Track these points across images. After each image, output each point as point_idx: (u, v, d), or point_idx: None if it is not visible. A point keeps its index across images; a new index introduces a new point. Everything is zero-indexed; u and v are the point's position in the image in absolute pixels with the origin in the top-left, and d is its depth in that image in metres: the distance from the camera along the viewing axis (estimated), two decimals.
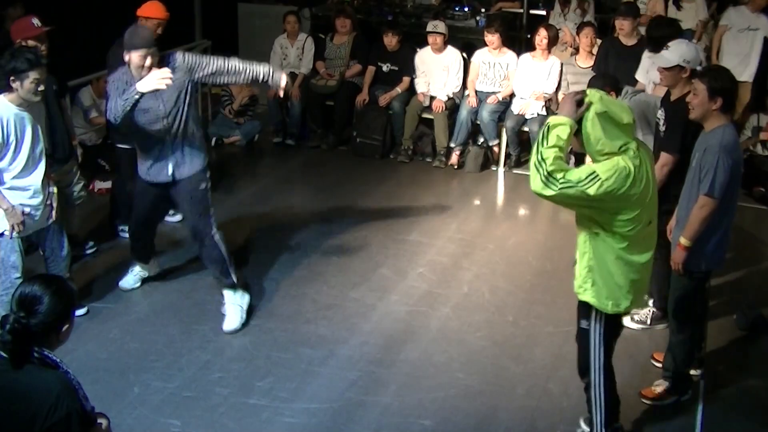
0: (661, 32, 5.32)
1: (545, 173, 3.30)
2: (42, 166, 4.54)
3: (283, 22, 8.44)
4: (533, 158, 3.36)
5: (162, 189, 4.96)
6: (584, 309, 3.77)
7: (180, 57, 4.76)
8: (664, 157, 4.57)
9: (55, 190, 4.74)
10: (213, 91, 8.64)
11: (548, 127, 3.37)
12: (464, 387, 4.50)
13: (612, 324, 3.74)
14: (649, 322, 5.08)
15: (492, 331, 5.07)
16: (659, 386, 4.42)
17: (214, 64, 4.81)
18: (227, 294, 5.06)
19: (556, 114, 3.47)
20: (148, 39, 4.68)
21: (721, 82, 4.02)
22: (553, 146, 3.33)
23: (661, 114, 4.72)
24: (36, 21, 5.09)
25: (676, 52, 4.54)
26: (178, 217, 6.48)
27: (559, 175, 3.29)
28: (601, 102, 3.38)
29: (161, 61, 4.69)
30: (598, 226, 3.52)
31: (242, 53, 8.54)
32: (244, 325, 5.00)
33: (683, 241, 4.12)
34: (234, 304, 5.04)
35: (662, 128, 4.67)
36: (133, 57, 4.63)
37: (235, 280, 5.08)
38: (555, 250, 6.12)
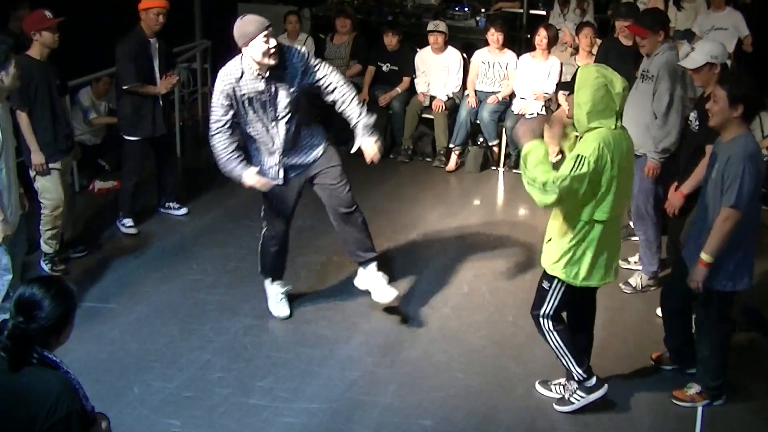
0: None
1: (540, 186, 3.58)
2: (13, 177, 4.31)
3: (284, 22, 8.44)
4: (524, 181, 3.66)
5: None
6: (549, 276, 3.99)
7: (299, 54, 4.45)
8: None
9: (21, 190, 4.56)
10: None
11: (525, 156, 3.66)
12: (464, 387, 4.50)
13: (573, 292, 3.96)
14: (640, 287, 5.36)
15: (492, 331, 5.07)
16: (692, 388, 4.38)
17: (322, 70, 4.54)
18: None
19: (526, 141, 3.75)
20: (260, 19, 4.27)
21: (743, 89, 3.85)
22: (536, 165, 3.62)
23: (693, 116, 4.70)
24: (48, 13, 5.20)
25: (701, 51, 4.55)
26: (183, 211, 6.52)
27: (552, 179, 3.55)
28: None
29: (281, 53, 4.37)
30: (585, 209, 3.74)
31: None
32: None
33: (705, 257, 3.92)
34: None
35: (695, 125, 4.65)
36: (255, 45, 4.23)
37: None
38: None
